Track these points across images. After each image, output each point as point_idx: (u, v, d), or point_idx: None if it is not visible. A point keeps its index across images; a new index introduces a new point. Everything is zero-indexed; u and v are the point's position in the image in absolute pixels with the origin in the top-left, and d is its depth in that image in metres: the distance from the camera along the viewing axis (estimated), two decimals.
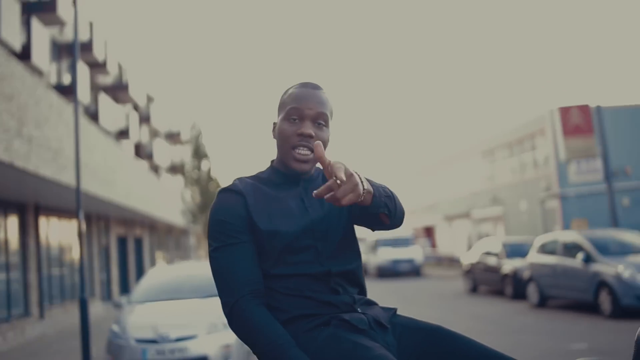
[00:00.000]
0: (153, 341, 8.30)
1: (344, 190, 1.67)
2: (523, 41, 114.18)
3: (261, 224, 1.97)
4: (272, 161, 2.15)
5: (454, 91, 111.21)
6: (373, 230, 2.07)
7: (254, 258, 1.97)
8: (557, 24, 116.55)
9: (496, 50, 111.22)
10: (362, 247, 38.72)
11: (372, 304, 2.10)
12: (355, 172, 1.74)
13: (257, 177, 2.10)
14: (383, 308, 2.10)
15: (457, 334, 1.94)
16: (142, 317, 8.98)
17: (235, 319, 1.91)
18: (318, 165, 2.16)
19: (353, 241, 2.11)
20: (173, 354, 8.13)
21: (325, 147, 2.02)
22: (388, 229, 2.04)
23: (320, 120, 2.03)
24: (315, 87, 2.08)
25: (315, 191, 1.69)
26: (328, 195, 1.68)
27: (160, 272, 11.11)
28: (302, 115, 2.01)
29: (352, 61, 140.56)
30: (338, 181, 1.66)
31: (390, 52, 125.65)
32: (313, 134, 2.00)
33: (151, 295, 9.70)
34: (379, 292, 22.21)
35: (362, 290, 2.12)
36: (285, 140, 2.02)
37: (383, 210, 1.89)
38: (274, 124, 2.14)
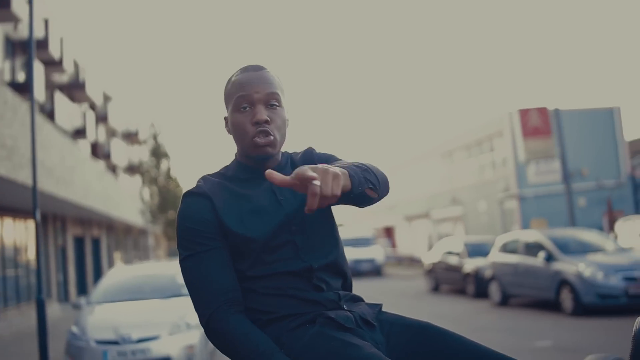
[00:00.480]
0: (114, 342, 8.12)
1: (325, 184, 1.54)
2: (483, 44, 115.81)
3: (233, 227, 1.83)
4: (236, 155, 2.01)
5: (414, 93, 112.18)
6: (362, 207, 1.91)
7: (227, 264, 1.84)
8: (516, 27, 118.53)
9: (456, 53, 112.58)
10: None
11: (357, 300, 1.99)
12: (318, 165, 1.61)
13: (222, 175, 1.96)
14: (369, 304, 1.99)
15: (447, 331, 1.85)
16: (102, 318, 8.78)
17: (213, 332, 1.79)
18: (283, 150, 2.04)
19: (331, 228, 1.98)
20: (135, 355, 7.96)
21: (281, 128, 1.91)
22: (377, 202, 1.90)
23: (272, 100, 1.90)
24: (258, 69, 1.94)
25: (306, 209, 1.53)
26: (317, 201, 1.52)
27: (120, 272, 10.89)
28: (251, 101, 1.88)
29: (316, 58, 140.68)
30: (314, 182, 1.51)
31: (354, 53, 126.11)
32: (268, 118, 1.87)
33: (111, 296, 9.50)
34: None
35: (346, 280, 2.00)
36: (242, 133, 1.89)
37: (367, 186, 1.75)
38: (225, 118, 1.99)
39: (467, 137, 32.95)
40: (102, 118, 32.48)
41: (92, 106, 30.75)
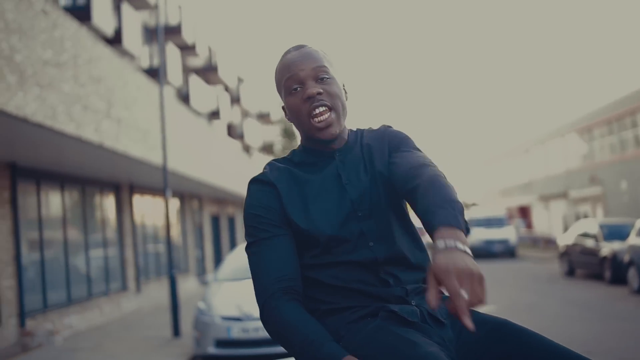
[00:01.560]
0: (237, 319, 8.44)
1: (475, 294, 1.33)
2: (623, 11, 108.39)
3: (297, 219, 1.79)
4: (301, 139, 1.96)
5: (549, 67, 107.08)
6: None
7: (289, 252, 1.79)
8: None
9: (594, 22, 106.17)
10: None
11: None
12: (456, 248, 1.39)
13: (289, 160, 1.92)
14: (444, 298, 1.77)
15: (526, 330, 1.70)
16: (227, 295, 9.14)
17: (266, 319, 1.74)
18: (350, 129, 1.96)
19: (402, 214, 1.87)
20: (257, 332, 8.24)
21: (338, 99, 1.82)
22: None
23: (321, 74, 1.82)
24: (299, 47, 1.88)
25: (467, 327, 1.33)
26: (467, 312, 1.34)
27: None
28: (299, 80, 1.81)
29: (432, 47, 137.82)
30: (462, 295, 1.32)
31: (475, 32, 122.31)
32: (320, 90, 1.79)
33: (237, 274, 9.83)
34: None
35: (421, 272, 1.85)
36: (299, 114, 1.82)
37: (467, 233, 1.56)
38: (283, 107, 1.94)
39: (607, 112, 31.03)
40: (235, 100, 33.59)
41: (226, 88, 31.85)
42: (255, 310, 8.14)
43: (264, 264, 1.78)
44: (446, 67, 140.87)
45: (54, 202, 13.08)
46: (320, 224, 1.78)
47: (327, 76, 1.83)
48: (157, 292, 17.99)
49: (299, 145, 1.97)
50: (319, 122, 1.79)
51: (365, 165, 1.87)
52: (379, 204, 1.82)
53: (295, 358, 1.69)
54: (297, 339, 1.66)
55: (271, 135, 42.29)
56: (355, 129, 1.98)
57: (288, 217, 1.80)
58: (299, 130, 1.90)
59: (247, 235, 1.85)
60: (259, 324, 8.08)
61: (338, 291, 1.77)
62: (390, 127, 1.99)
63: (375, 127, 2.01)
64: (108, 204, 15.83)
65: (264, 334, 8.01)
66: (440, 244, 1.41)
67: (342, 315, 1.76)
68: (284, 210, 1.81)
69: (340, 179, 1.84)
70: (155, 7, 19.26)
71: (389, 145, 1.91)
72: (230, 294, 9.13)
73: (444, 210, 1.52)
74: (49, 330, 10.93)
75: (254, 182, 1.87)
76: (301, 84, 1.81)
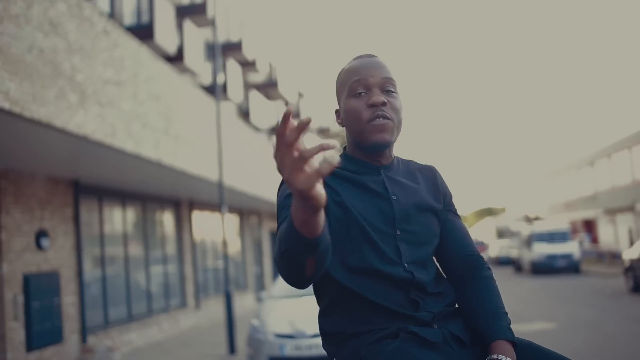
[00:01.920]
0: (291, 336, 8.33)
1: None
2: None
3: (355, 212, 1.74)
4: (344, 149, 1.94)
5: (610, 79, 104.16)
6: None
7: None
8: None
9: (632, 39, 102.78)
10: (515, 242, 37.14)
11: (458, 314, 1.81)
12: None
13: None
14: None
15: (551, 352, 1.70)
16: (280, 312, 9.06)
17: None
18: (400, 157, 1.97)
19: (433, 250, 1.89)
20: (310, 349, 8.12)
21: (399, 115, 1.82)
22: None
23: (388, 86, 1.82)
24: (371, 56, 1.88)
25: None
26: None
27: None
28: (367, 86, 1.81)
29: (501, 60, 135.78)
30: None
31: (540, 43, 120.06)
32: (385, 100, 1.78)
33: (290, 291, 9.74)
34: (530, 289, 21.16)
35: (438, 298, 1.82)
36: (357, 118, 1.80)
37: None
38: (336, 111, 1.93)
39: None
40: (295, 115, 33.73)
41: (286, 104, 32.00)
42: (308, 328, 8.05)
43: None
44: (506, 87, 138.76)
45: (116, 218, 13.26)
46: (367, 215, 1.77)
47: (393, 90, 1.83)
48: (216, 308, 18.04)
49: (343, 153, 1.93)
50: (377, 124, 1.77)
51: (413, 189, 1.87)
52: (421, 230, 1.82)
53: (288, 250, 1.43)
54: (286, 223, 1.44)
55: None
56: (397, 156, 1.98)
57: (344, 205, 1.74)
58: (351, 135, 1.87)
59: (281, 216, 1.67)
60: (313, 341, 8.04)
61: (365, 309, 1.73)
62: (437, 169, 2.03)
63: (419, 160, 2.04)
64: (168, 220, 15.98)
65: (317, 351, 7.94)
66: (502, 358, 1.62)
67: (365, 336, 1.72)
68: (333, 201, 1.75)
69: (387, 192, 1.82)
70: (215, 25, 19.47)
71: (442, 190, 1.94)
72: (284, 311, 9.06)
73: (500, 323, 1.72)
74: (109, 347, 11.02)
75: None
76: (368, 89, 1.81)
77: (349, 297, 1.74)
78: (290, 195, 1.68)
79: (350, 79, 1.83)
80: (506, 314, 1.76)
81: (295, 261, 1.42)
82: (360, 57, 1.89)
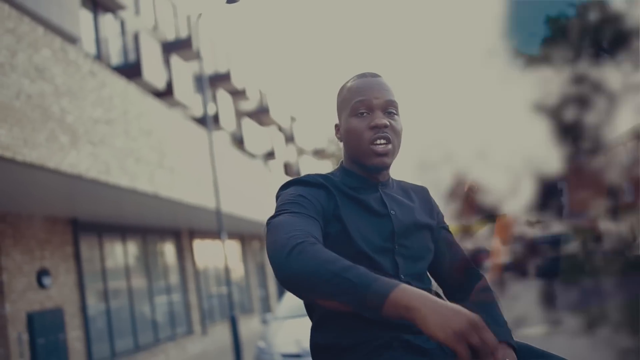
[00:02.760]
0: (297, 355, 8.45)
1: None
2: None
3: (350, 227, 1.73)
4: (342, 162, 1.93)
5: None
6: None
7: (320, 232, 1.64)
8: None
9: None
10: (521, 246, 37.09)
11: None
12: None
13: (330, 178, 1.85)
14: None
15: (548, 354, 1.70)
16: (286, 332, 9.15)
17: (296, 255, 1.45)
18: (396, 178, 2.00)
19: (430, 259, 1.90)
20: None
21: (399, 137, 1.83)
22: None
23: (391, 108, 1.81)
24: (375, 76, 1.87)
25: None
26: None
27: None
28: (370, 107, 1.80)
29: None
30: None
31: None
32: (388, 123, 1.78)
33: (295, 311, 9.86)
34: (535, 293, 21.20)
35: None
36: (358, 139, 1.80)
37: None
38: (336, 125, 1.93)
39: None
40: (289, 139, 34.04)
41: (280, 128, 32.34)
42: None
43: (292, 221, 1.61)
44: None
45: (117, 252, 13.50)
46: (365, 238, 1.75)
47: (395, 112, 1.83)
48: (222, 334, 18.20)
49: (337, 168, 1.92)
50: (378, 147, 1.78)
51: (409, 207, 1.88)
52: (417, 246, 1.84)
53: (320, 291, 1.42)
54: (337, 266, 1.41)
55: (328, 170, 42.45)
56: (390, 176, 1.97)
57: (342, 221, 1.73)
58: (349, 152, 1.87)
59: (278, 210, 1.70)
60: None
61: (359, 322, 1.65)
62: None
63: (408, 180, 2.07)
64: (169, 250, 16.22)
65: None
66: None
67: (359, 348, 1.70)
68: (331, 211, 1.74)
69: (385, 207, 1.82)
70: (201, 58, 19.88)
71: (435, 209, 1.99)
72: (290, 331, 9.13)
73: (499, 328, 1.76)
74: None
75: (309, 176, 1.83)
76: (370, 110, 1.80)
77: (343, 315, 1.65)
78: (302, 197, 1.70)
79: (354, 98, 1.82)
80: (505, 321, 1.78)
81: (325, 299, 1.40)
82: (364, 75, 1.86)
